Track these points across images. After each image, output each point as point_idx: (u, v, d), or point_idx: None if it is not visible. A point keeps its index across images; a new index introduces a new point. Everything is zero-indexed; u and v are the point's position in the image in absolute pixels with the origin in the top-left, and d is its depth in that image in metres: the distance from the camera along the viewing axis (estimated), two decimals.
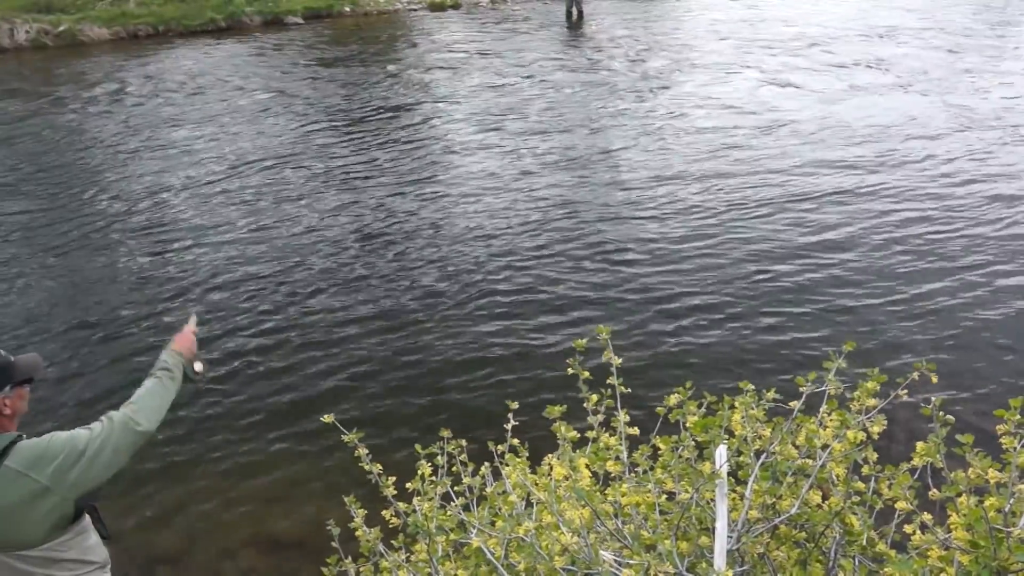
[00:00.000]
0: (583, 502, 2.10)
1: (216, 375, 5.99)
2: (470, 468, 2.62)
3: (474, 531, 2.29)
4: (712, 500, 2.14)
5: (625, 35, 17.67)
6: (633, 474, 2.41)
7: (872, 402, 2.20)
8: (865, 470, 2.18)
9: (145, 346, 6.37)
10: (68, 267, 7.82)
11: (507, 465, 2.51)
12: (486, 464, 2.67)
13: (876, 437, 2.16)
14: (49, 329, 6.73)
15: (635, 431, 2.48)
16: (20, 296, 7.29)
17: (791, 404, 2.29)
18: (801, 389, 2.29)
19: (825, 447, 2.18)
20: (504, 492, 2.49)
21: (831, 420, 2.23)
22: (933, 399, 2.04)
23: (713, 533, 2.05)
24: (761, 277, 7.08)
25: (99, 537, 2.50)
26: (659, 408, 2.40)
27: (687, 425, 2.30)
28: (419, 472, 2.55)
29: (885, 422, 2.17)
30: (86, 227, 8.72)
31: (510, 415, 2.65)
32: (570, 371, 2.54)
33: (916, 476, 2.11)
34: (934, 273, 7.04)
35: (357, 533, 2.52)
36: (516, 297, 6.96)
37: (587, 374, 2.52)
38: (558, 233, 8.11)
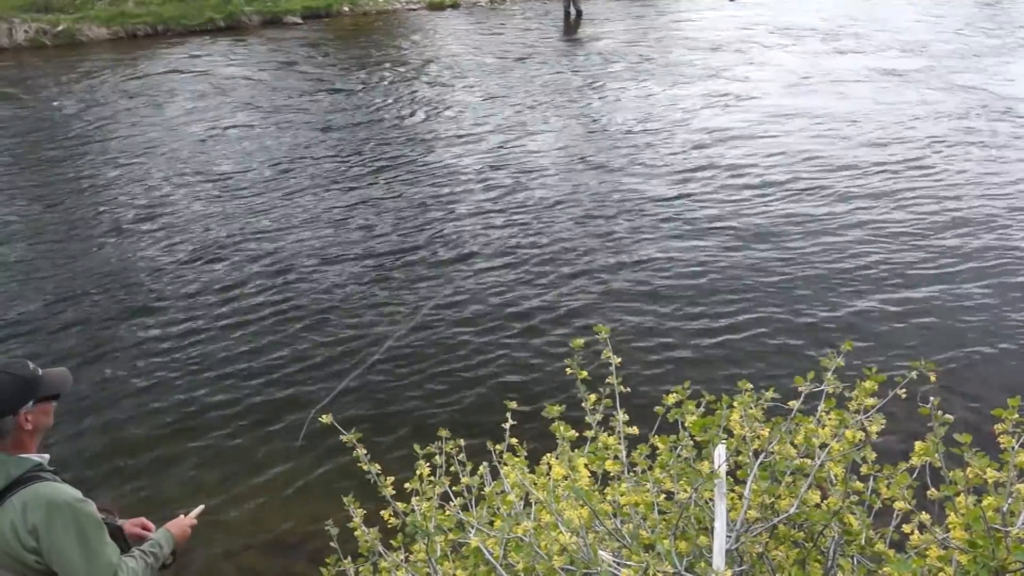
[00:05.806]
0: (582, 502, 2.10)
1: (215, 374, 6.00)
2: (468, 468, 2.62)
3: (472, 531, 2.29)
4: (711, 500, 2.14)
5: (623, 35, 17.66)
6: (632, 473, 2.41)
7: (870, 401, 2.20)
8: (864, 470, 2.18)
9: (143, 345, 6.37)
10: (68, 267, 7.80)
11: (505, 465, 2.51)
12: (484, 464, 2.66)
13: (875, 436, 2.16)
14: (47, 328, 6.72)
15: (634, 430, 2.48)
16: (21, 297, 7.28)
17: (790, 404, 2.29)
18: (800, 389, 2.29)
19: (824, 447, 2.17)
20: (503, 492, 2.49)
21: (830, 419, 2.23)
22: (932, 398, 2.03)
23: (712, 533, 2.05)
24: (760, 277, 7.08)
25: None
26: (658, 408, 2.40)
27: (686, 424, 2.30)
28: (417, 472, 2.55)
29: (884, 421, 2.17)
30: (85, 227, 8.71)
31: (508, 414, 2.64)
32: (569, 371, 2.54)
33: (915, 476, 2.11)
34: (935, 273, 7.04)
35: (356, 533, 2.51)
36: (516, 296, 6.95)
37: (585, 374, 2.51)
38: (558, 233, 8.11)
